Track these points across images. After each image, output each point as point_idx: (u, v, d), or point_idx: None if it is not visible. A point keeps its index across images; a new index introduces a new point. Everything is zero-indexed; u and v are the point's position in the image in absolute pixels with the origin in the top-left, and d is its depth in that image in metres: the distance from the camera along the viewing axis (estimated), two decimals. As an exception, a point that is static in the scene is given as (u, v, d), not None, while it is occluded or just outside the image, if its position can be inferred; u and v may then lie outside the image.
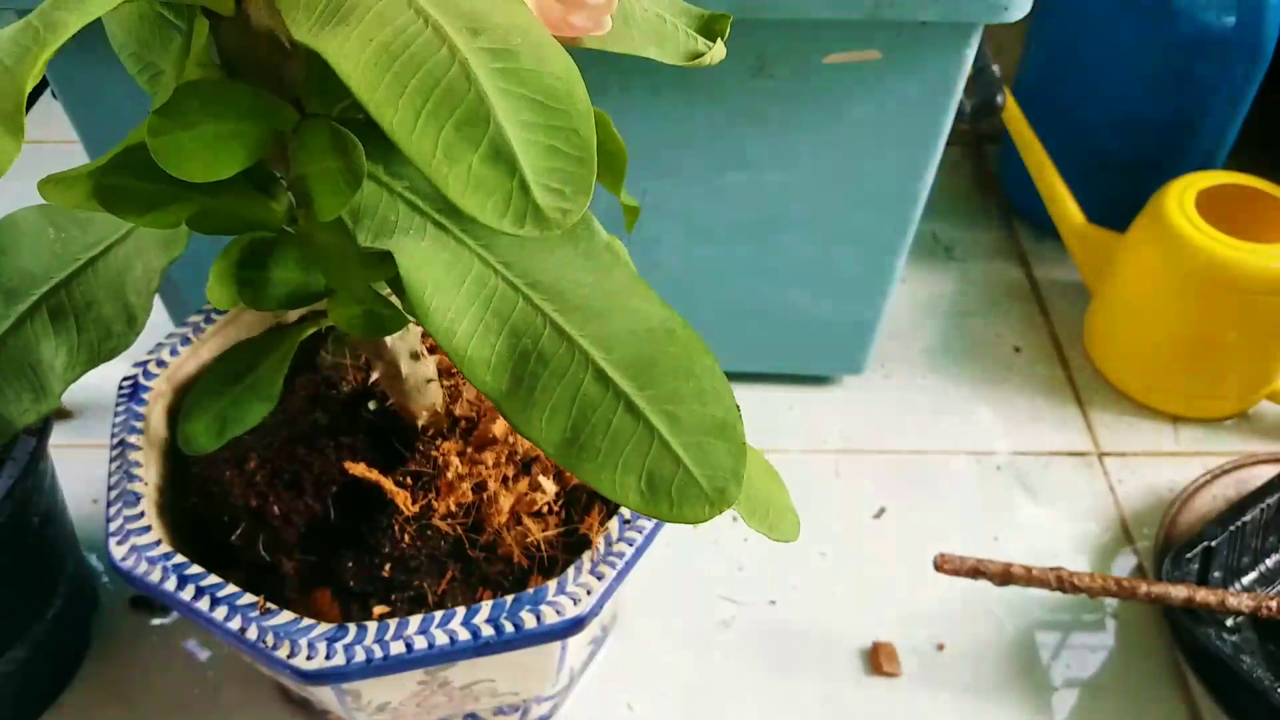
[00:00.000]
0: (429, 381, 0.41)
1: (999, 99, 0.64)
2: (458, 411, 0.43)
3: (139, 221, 0.28)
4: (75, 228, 0.34)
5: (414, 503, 0.40)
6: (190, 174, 0.26)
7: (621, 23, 0.30)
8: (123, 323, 0.34)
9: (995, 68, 0.65)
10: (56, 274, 0.34)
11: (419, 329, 0.39)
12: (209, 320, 0.46)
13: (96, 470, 0.47)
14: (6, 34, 0.22)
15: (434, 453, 0.41)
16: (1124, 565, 0.58)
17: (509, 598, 0.37)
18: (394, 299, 0.33)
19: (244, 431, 0.37)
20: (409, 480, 0.40)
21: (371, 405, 0.43)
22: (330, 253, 0.30)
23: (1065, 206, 0.69)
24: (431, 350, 0.43)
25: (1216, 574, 0.53)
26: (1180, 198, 0.61)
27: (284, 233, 0.31)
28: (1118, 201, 0.68)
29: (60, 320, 0.33)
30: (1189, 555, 0.53)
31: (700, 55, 0.32)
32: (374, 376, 0.43)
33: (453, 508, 0.40)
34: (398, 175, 0.29)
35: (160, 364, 0.45)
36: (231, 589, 0.37)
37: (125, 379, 0.44)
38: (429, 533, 0.39)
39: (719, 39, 0.33)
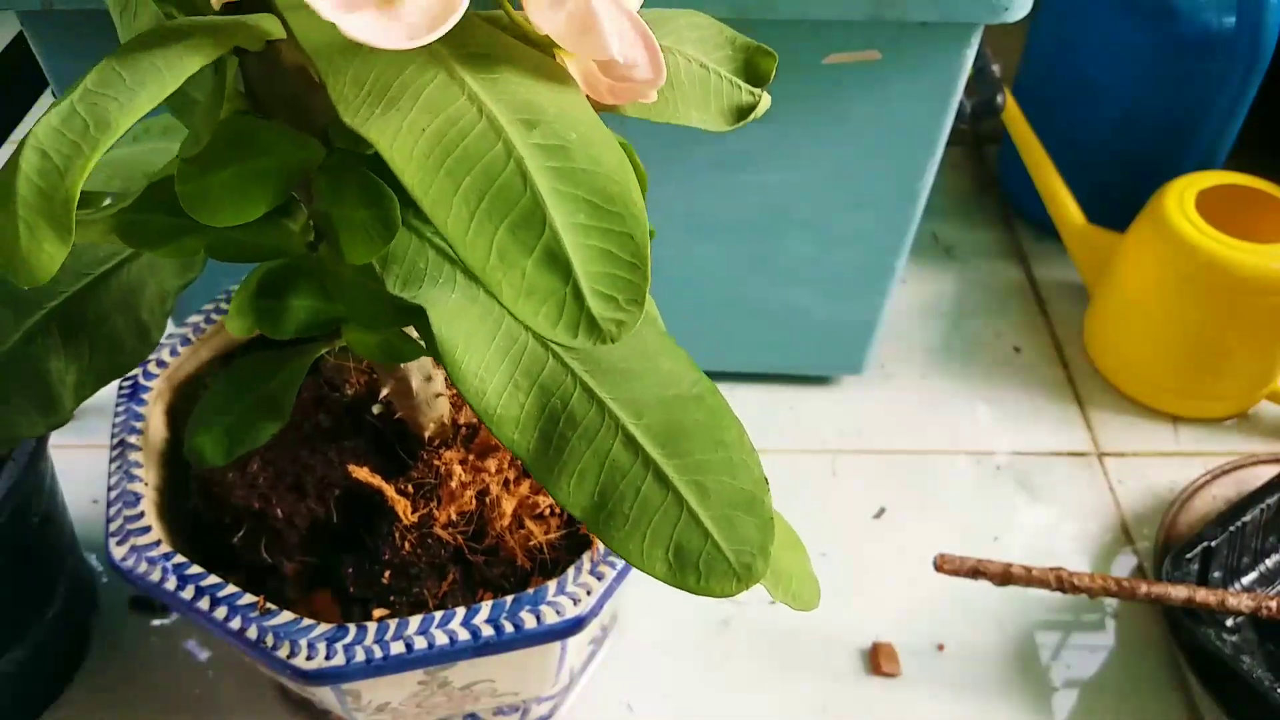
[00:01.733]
0: (438, 396, 0.41)
1: (999, 99, 0.64)
2: (461, 419, 0.43)
3: (158, 253, 0.28)
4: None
5: (414, 511, 0.40)
6: (219, 219, 0.26)
7: (667, 88, 0.30)
8: (135, 339, 0.33)
9: (995, 68, 0.65)
10: (68, 288, 0.33)
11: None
12: (209, 320, 0.46)
13: (96, 470, 0.47)
14: (53, 124, 0.22)
15: (437, 461, 0.41)
16: (1124, 565, 0.58)
17: (509, 598, 0.37)
18: (411, 330, 0.33)
19: (254, 447, 0.37)
20: (410, 489, 0.40)
21: (375, 409, 0.43)
22: (356, 292, 0.30)
23: (1065, 206, 0.69)
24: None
25: (1216, 574, 0.53)
26: (1180, 198, 0.61)
27: (303, 260, 0.31)
28: (1118, 201, 0.68)
29: (71, 335, 0.33)
30: (1189, 555, 0.53)
31: (745, 112, 0.31)
32: (384, 392, 0.43)
33: (454, 516, 0.40)
34: (428, 221, 0.29)
35: (160, 364, 0.45)
36: (231, 589, 0.37)
37: (125, 379, 0.44)
38: (430, 541, 0.39)
39: (765, 85, 0.32)
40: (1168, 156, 0.69)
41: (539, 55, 0.24)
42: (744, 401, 0.65)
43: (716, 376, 0.66)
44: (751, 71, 0.31)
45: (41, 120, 0.22)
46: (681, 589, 0.26)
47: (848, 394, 0.67)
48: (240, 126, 0.26)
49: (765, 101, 0.31)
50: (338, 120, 0.24)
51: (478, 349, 0.27)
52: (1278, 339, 0.61)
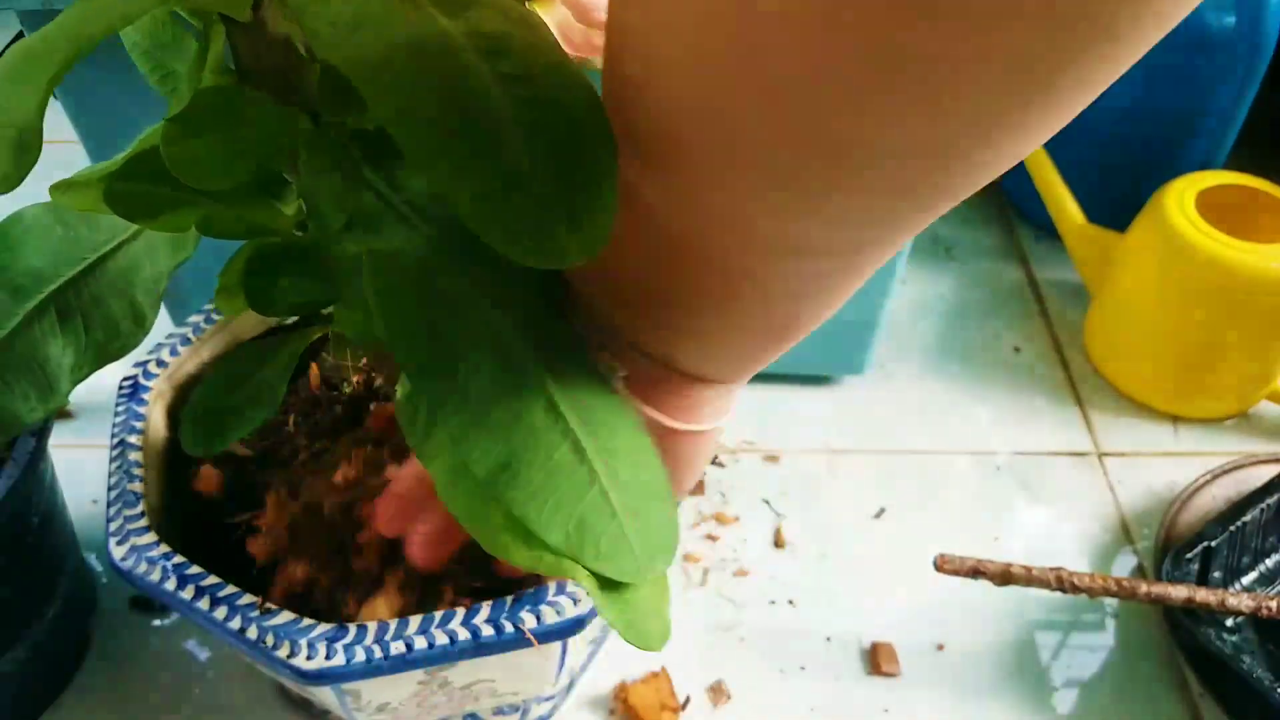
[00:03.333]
0: None
1: (999, 99, 0.64)
2: None
3: (149, 225, 0.28)
4: (83, 226, 0.34)
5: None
6: (204, 183, 0.25)
7: None
8: (130, 322, 0.34)
9: (995, 68, 0.64)
10: (65, 272, 0.33)
11: None
12: (209, 320, 0.46)
13: (96, 470, 0.47)
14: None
15: None
16: (1124, 565, 0.58)
17: (509, 598, 0.37)
18: None
19: (244, 434, 0.37)
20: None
21: (373, 407, 0.43)
22: (348, 286, 0.30)
23: (1065, 206, 0.69)
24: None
25: (1216, 574, 0.53)
26: (1180, 198, 0.61)
27: (294, 239, 0.31)
28: (1118, 201, 0.68)
29: (68, 319, 0.33)
30: (1189, 555, 0.53)
31: None
32: (378, 381, 0.43)
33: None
34: (398, 187, 0.29)
35: (160, 364, 0.45)
36: (231, 589, 0.37)
37: (125, 379, 0.44)
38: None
39: None
40: (1168, 156, 0.69)
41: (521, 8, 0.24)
42: (744, 401, 0.65)
43: (716, 376, 0.66)
44: None
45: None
46: (575, 559, 0.25)
47: (848, 394, 0.67)
48: (224, 95, 0.26)
49: None
50: (323, 92, 0.24)
51: None
52: (1277, 339, 0.61)
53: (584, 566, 0.26)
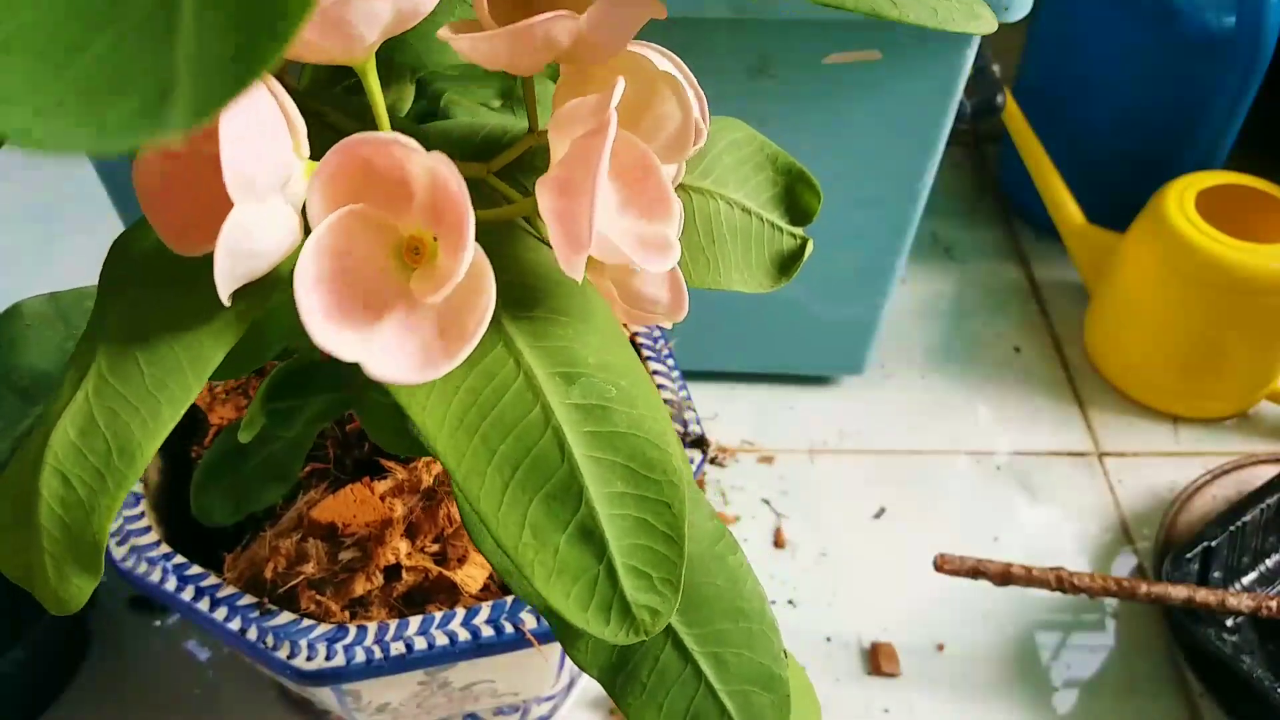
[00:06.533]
0: None
1: (999, 99, 0.64)
2: None
3: None
4: (84, 320, 0.33)
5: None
6: (232, 377, 0.25)
7: (708, 246, 0.29)
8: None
9: (995, 68, 0.65)
10: None
11: None
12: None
13: (96, 470, 0.47)
14: (70, 437, 0.20)
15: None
16: (1124, 565, 0.58)
17: (509, 598, 0.37)
18: None
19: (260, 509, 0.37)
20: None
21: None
22: (377, 417, 0.29)
23: (1065, 206, 0.69)
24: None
25: (1216, 574, 0.53)
26: (1180, 198, 0.61)
27: (315, 363, 0.31)
28: (1118, 201, 0.68)
29: None
30: (1189, 555, 0.53)
31: (789, 263, 0.29)
32: None
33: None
34: None
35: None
36: (231, 589, 0.37)
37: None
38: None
39: (807, 223, 0.30)
40: (1168, 156, 0.69)
41: (571, 281, 0.23)
42: (744, 401, 0.65)
43: (717, 376, 0.66)
44: (793, 204, 0.30)
45: (59, 427, 0.20)
46: None
47: (848, 394, 0.67)
48: None
49: (809, 249, 0.29)
50: None
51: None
52: (1278, 339, 0.61)
53: None
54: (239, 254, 0.19)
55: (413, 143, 0.19)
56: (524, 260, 0.23)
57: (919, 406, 0.66)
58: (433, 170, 0.19)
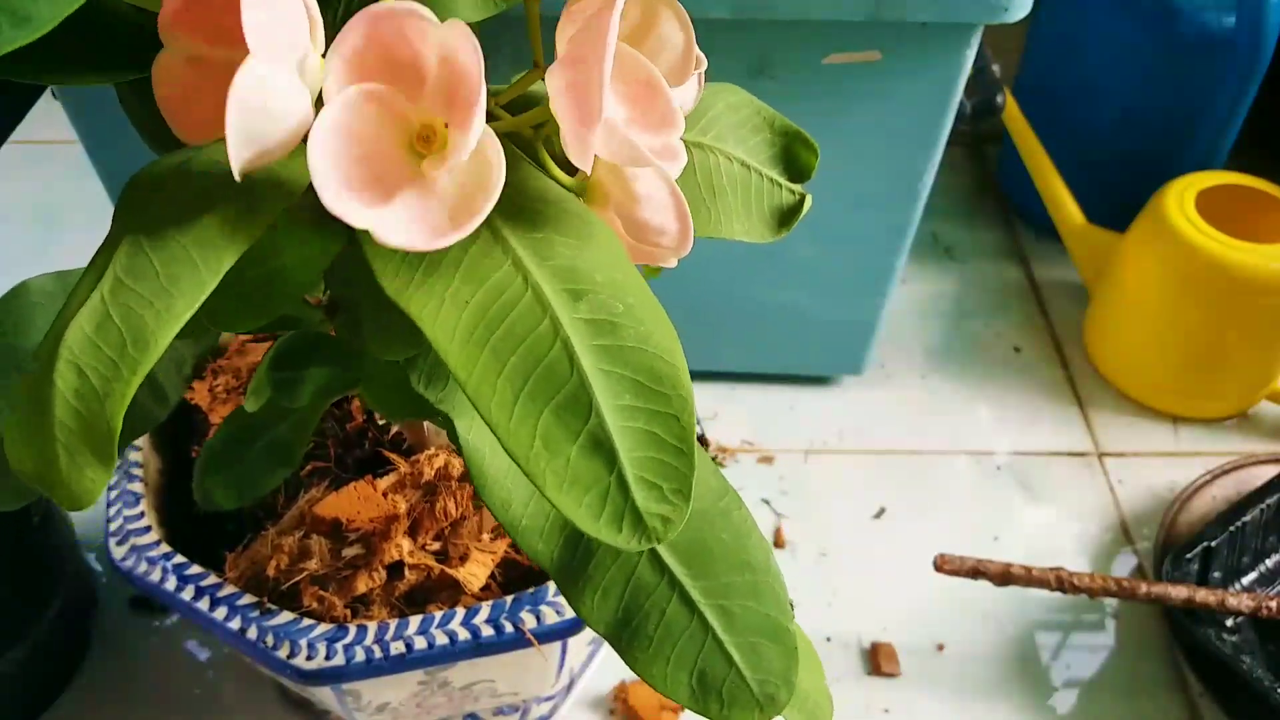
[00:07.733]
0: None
1: (999, 99, 0.64)
2: None
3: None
4: None
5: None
6: (239, 326, 0.25)
7: (709, 198, 0.29)
8: (153, 401, 0.33)
9: (995, 68, 0.65)
10: None
11: None
12: (209, 320, 0.46)
13: (96, 470, 0.47)
14: (86, 331, 0.20)
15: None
16: (1124, 565, 0.58)
17: (509, 598, 0.37)
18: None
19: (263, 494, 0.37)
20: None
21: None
22: (377, 376, 0.29)
23: (1065, 206, 0.69)
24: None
25: (1216, 574, 0.53)
26: (1180, 198, 0.61)
27: (321, 331, 0.31)
28: (1118, 201, 0.68)
29: None
30: (1189, 555, 0.53)
31: (788, 216, 0.30)
32: (393, 431, 0.43)
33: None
34: None
35: (160, 364, 0.45)
36: (231, 589, 0.37)
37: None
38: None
39: (805, 180, 0.31)
40: (1168, 156, 0.69)
41: (580, 205, 0.23)
42: (744, 401, 0.65)
43: (717, 376, 0.66)
44: (791, 162, 0.31)
45: (74, 324, 0.20)
46: (703, 715, 0.26)
47: (848, 394, 0.67)
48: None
49: (808, 203, 0.30)
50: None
51: (504, 456, 0.26)
52: (1278, 339, 0.61)
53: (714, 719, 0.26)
54: (251, 109, 0.18)
55: (429, 14, 0.19)
56: (529, 187, 0.23)
57: (919, 406, 0.66)
58: (447, 46, 0.20)
